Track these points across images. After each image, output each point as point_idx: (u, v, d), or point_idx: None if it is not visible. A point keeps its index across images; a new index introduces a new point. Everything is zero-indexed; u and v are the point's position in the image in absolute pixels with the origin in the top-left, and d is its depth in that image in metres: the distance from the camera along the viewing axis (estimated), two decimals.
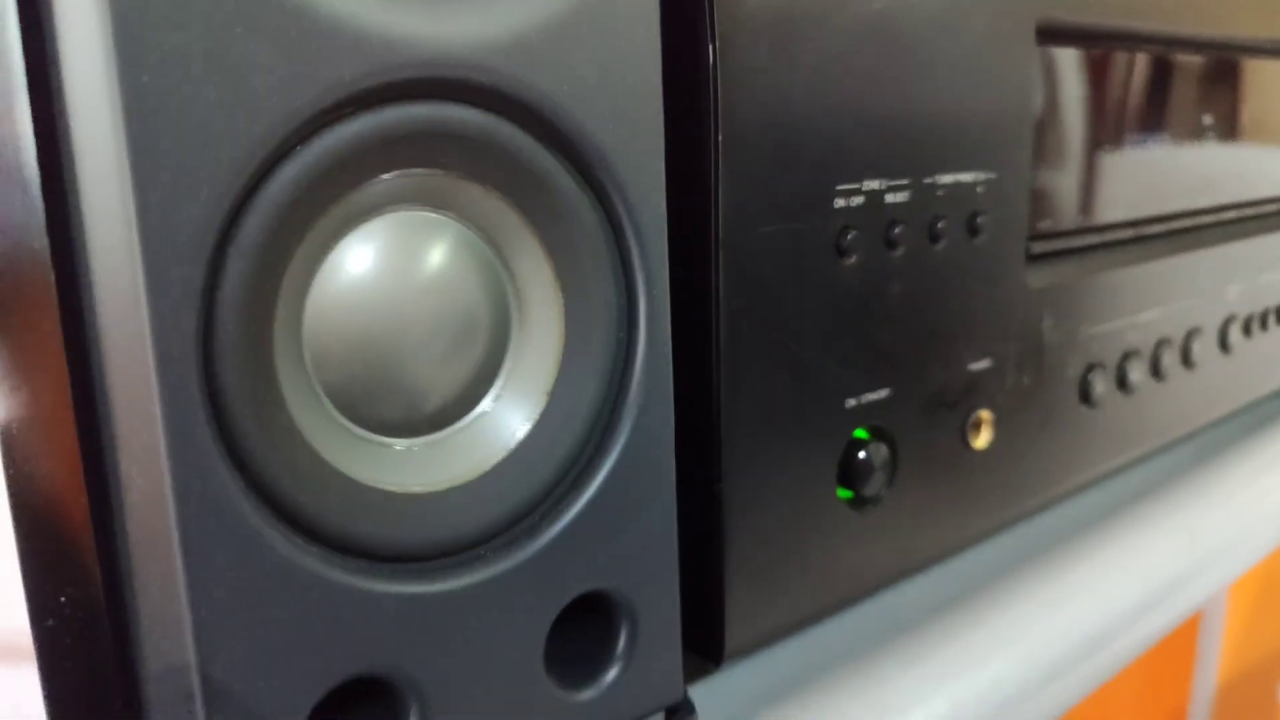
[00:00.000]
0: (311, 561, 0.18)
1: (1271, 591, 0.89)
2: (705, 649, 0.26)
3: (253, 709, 0.18)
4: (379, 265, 0.20)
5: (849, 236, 0.26)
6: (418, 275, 0.20)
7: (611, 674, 0.23)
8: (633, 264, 0.22)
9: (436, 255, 0.21)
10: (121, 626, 0.18)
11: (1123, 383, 0.36)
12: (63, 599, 0.19)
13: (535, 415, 0.22)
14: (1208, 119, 0.39)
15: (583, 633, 0.24)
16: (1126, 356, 0.36)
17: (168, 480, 0.17)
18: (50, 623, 0.19)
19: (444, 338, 0.21)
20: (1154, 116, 0.37)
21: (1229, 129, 0.41)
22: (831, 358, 0.26)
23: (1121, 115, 0.35)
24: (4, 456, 0.19)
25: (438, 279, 0.21)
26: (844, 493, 0.28)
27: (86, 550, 0.18)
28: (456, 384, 0.21)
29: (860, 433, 0.28)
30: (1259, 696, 0.89)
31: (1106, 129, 0.35)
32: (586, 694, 0.23)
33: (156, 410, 0.16)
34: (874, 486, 0.28)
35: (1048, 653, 0.32)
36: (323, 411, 0.19)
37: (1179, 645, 0.86)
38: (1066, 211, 0.34)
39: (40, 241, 0.17)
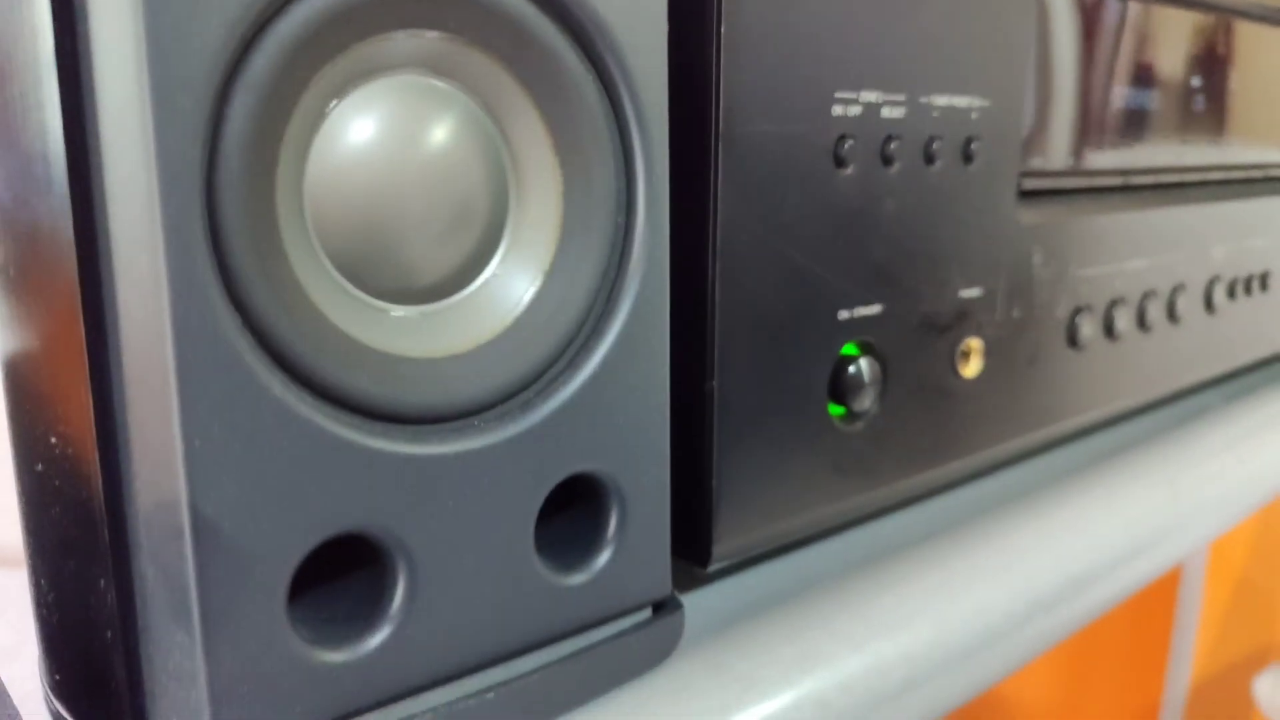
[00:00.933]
0: (305, 408, 0.18)
1: (1245, 590, 0.89)
2: (692, 553, 0.26)
3: (242, 552, 0.18)
4: (381, 129, 0.20)
5: (846, 146, 0.26)
6: (420, 143, 0.20)
7: (603, 558, 0.23)
8: (633, 149, 0.22)
9: (439, 124, 0.21)
10: (112, 466, 0.18)
11: (1109, 329, 0.37)
12: (53, 439, 0.19)
13: (532, 293, 0.22)
14: (1201, 79, 0.40)
15: (573, 528, 0.24)
16: (1114, 303, 0.37)
17: (166, 308, 0.17)
18: (39, 467, 0.19)
19: (443, 209, 0.21)
20: (1148, 69, 0.37)
21: (1221, 91, 0.41)
22: (825, 267, 0.27)
23: (1116, 64, 0.36)
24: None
25: (439, 149, 0.21)
26: (835, 408, 0.28)
27: (80, 385, 0.18)
28: (454, 257, 0.21)
29: (851, 348, 0.28)
30: (1234, 694, 0.89)
31: (1101, 75, 0.35)
32: (577, 578, 0.23)
33: (158, 238, 0.16)
34: (864, 402, 0.28)
35: (1032, 588, 0.32)
36: (322, 269, 0.19)
37: (1152, 642, 0.87)
38: (1057, 152, 0.34)
39: (48, 59, 0.17)
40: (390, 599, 0.20)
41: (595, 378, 0.22)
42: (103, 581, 0.18)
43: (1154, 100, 0.38)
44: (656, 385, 0.23)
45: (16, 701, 0.22)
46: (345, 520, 0.19)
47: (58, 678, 0.20)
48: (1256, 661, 0.91)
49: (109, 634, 0.18)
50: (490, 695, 0.21)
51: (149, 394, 0.17)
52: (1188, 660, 0.86)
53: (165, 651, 0.18)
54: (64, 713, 0.20)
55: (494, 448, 0.21)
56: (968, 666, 0.29)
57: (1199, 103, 0.40)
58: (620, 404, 0.23)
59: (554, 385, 0.22)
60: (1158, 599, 0.87)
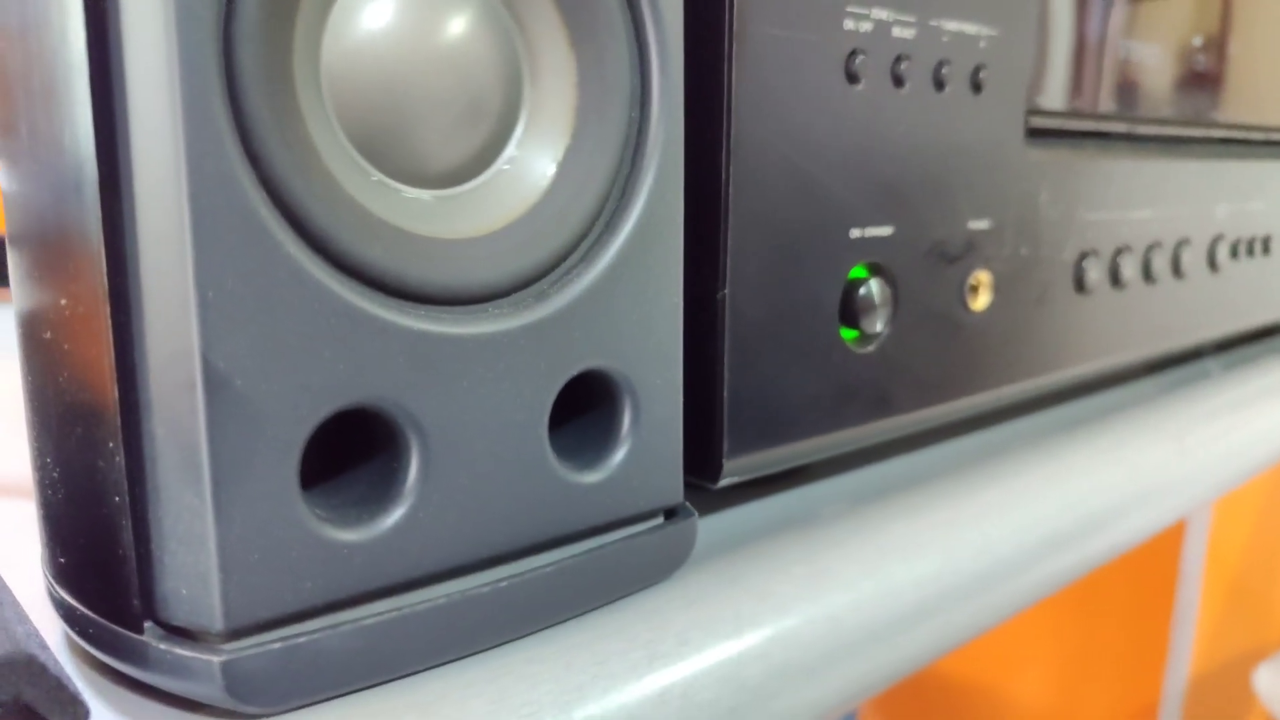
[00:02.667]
0: (318, 271, 0.18)
1: (1243, 584, 0.89)
2: (703, 470, 0.26)
3: (254, 409, 0.17)
4: (397, 9, 0.20)
5: (857, 61, 0.26)
6: (434, 24, 0.20)
7: (617, 456, 0.23)
8: (647, 42, 0.22)
9: (454, 6, 0.20)
10: (123, 322, 0.17)
11: (1115, 277, 0.36)
12: (63, 301, 0.18)
13: (545, 183, 0.22)
14: (1211, 35, 0.40)
15: (586, 432, 0.23)
16: (1119, 251, 0.37)
17: (182, 154, 0.16)
18: (47, 334, 0.19)
19: (456, 93, 0.21)
20: (1159, 20, 0.38)
21: (1230, 49, 0.42)
22: (837, 181, 0.26)
23: (1128, 11, 0.36)
24: (10, 146, 0.19)
25: (454, 32, 0.20)
26: (846, 331, 0.28)
27: (93, 238, 0.17)
28: (468, 143, 0.21)
29: (861, 270, 0.28)
30: (1233, 687, 0.89)
31: (1112, 21, 0.35)
32: (591, 476, 0.22)
33: (175, 81, 0.16)
34: (874, 324, 0.28)
35: (1040, 527, 0.32)
36: (337, 141, 0.19)
37: (1151, 637, 0.86)
38: (1065, 93, 0.34)
39: None
40: (403, 479, 0.20)
41: (609, 272, 0.22)
42: (111, 444, 0.18)
43: (1163, 52, 0.38)
44: (670, 285, 0.23)
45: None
46: (358, 391, 0.18)
47: (61, 561, 0.20)
48: (1256, 655, 0.90)
49: (116, 499, 0.18)
50: (504, 584, 0.21)
51: (162, 245, 0.17)
52: (1186, 655, 0.85)
53: (174, 515, 0.18)
54: (68, 598, 0.20)
55: (508, 334, 0.20)
56: (977, 598, 0.29)
57: (1208, 59, 0.40)
58: (634, 301, 0.22)
59: (568, 278, 0.22)
60: (1155, 594, 0.87)
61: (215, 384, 0.17)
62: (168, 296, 0.17)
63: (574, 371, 0.22)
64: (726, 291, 0.25)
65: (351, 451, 0.20)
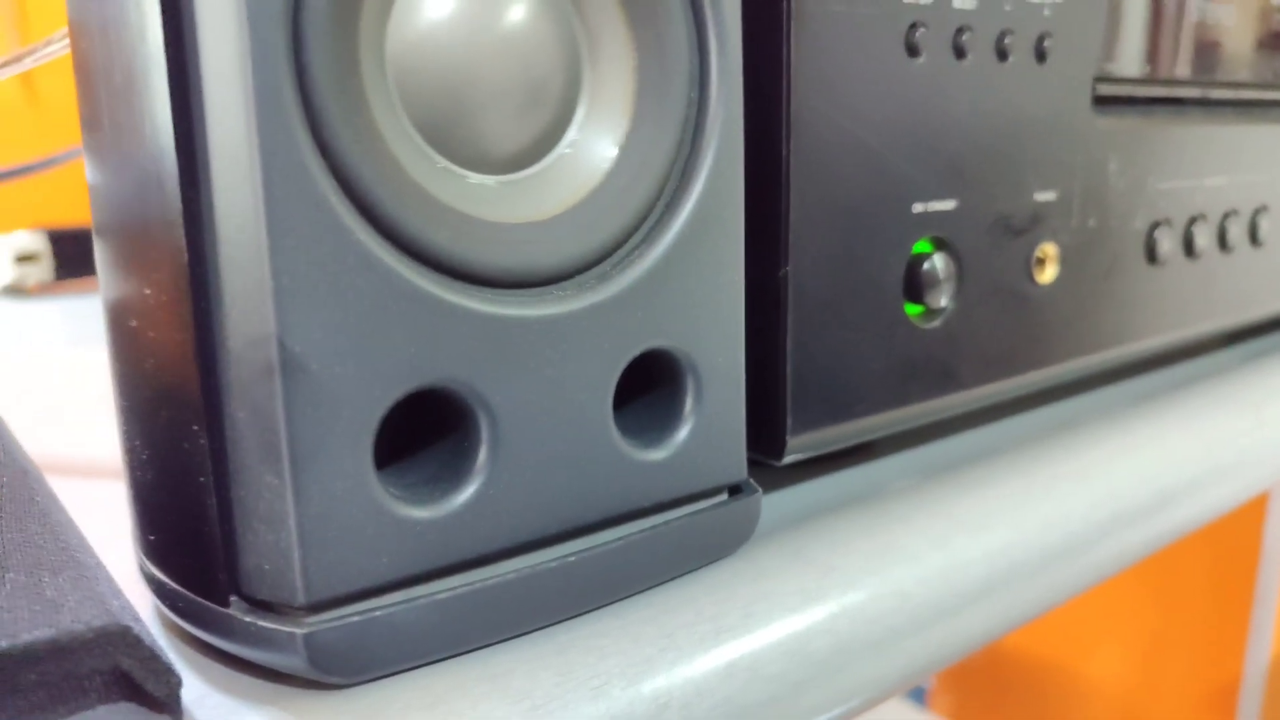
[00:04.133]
0: (387, 256, 0.18)
1: None
2: (766, 446, 0.26)
3: (329, 392, 0.18)
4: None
5: (918, 34, 0.26)
6: (496, 11, 0.20)
7: (681, 434, 0.23)
8: (706, 24, 0.22)
9: None
10: (204, 310, 0.18)
11: (1189, 247, 0.36)
12: (146, 290, 0.19)
13: (606, 167, 0.22)
14: None
15: (649, 413, 0.24)
16: (1193, 220, 0.36)
17: (255, 146, 0.17)
18: (133, 322, 0.20)
19: (519, 79, 0.21)
20: None
21: None
22: (899, 156, 0.26)
23: None
24: (94, 140, 0.19)
25: (515, 18, 0.21)
26: (910, 307, 0.28)
27: (174, 228, 0.18)
28: (530, 129, 0.21)
29: (925, 245, 0.28)
30: None
31: None
32: (655, 454, 0.23)
33: (247, 71, 0.17)
34: (939, 299, 0.28)
35: (1113, 500, 0.31)
36: (402, 128, 0.20)
37: (1231, 616, 0.84)
38: (1133, 58, 0.33)
39: None
40: (473, 457, 0.20)
41: (670, 253, 0.22)
42: (195, 427, 0.18)
43: (1237, 11, 0.37)
44: (731, 264, 0.23)
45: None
46: (428, 373, 0.19)
47: (151, 539, 0.21)
48: None
49: (201, 480, 0.19)
50: (571, 560, 0.21)
51: (239, 234, 0.17)
52: (1269, 634, 0.83)
53: (255, 495, 0.18)
54: (158, 574, 0.21)
55: (572, 315, 0.21)
56: (1046, 573, 0.29)
57: None
58: (695, 281, 0.23)
59: (630, 259, 0.22)
60: (1236, 571, 0.85)
61: (292, 368, 0.18)
62: (245, 284, 0.17)
63: (637, 351, 0.22)
64: (788, 269, 0.25)
65: (423, 432, 0.21)
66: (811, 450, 0.27)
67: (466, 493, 0.20)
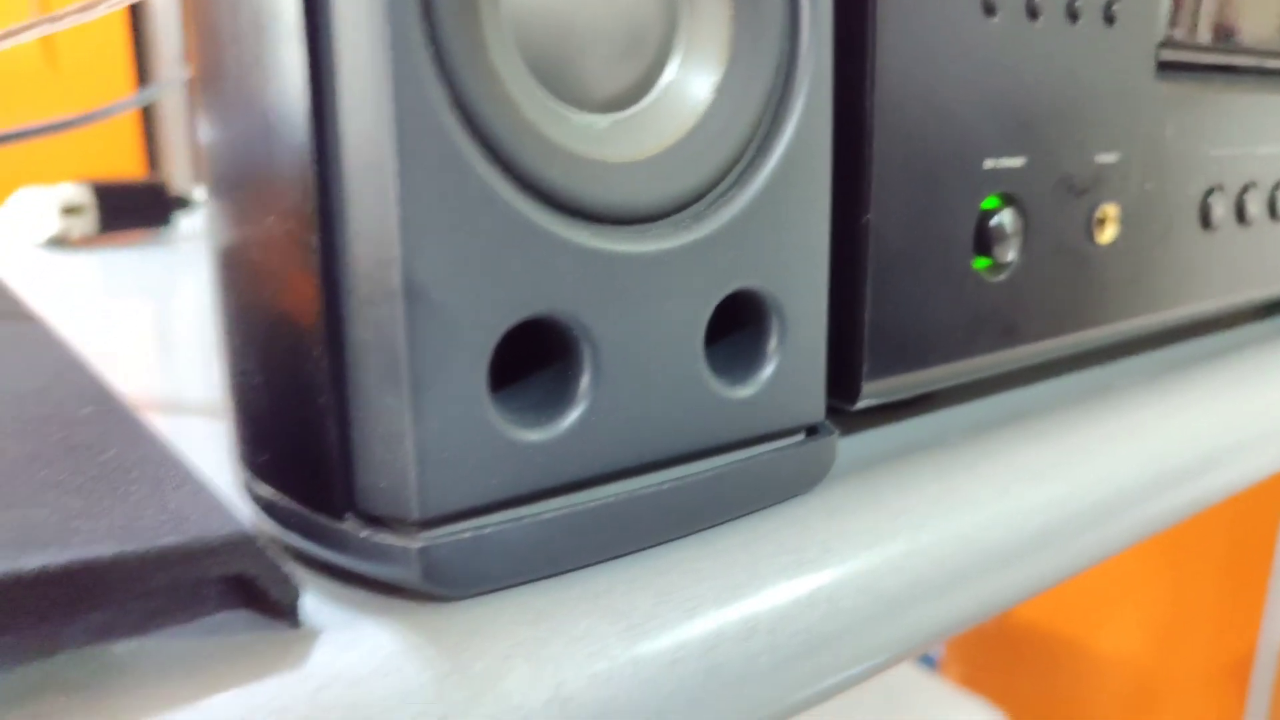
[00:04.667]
0: (506, 189, 0.19)
1: None
2: (841, 390, 0.27)
3: (448, 316, 0.19)
4: None
5: None
6: None
7: (765, 374, 0.24)
8: None
9: None
10: (330, 237, 0.19)
11: (1241, 214, 0.36)
12: (270, 219, 0.20)
13: (702, 108, 0.22)
14: None
15: (731, 355, 0.24)
16: (1246, 188, 0.36)
17: (387, 82, 0.18)
18: (253, 253, 0.20)
19: (621, 21, 0.22)
20: None
21: None
22: (973, 112, 0.27)
23: None
24: (214, 87, 0.20)
25: None
26: (978, 260, 0.28)
27: (303, 163, 0.19)
28: (631, 70, 0.22)
29: (994, 200, 0.28)
30: None
31: None
32: (740, 391, 0.23)
33: (379, 16, 0.17)
34: (1007, 253, 0.28)
35: (1162, 460, 0.32)
36: (519, 72, 0.20)
37: (1247, 590, 0.85)
38: (1197, 26, 0.34)
39: None
40: (576, 386, 0.21)
41: (762, 196, 0.23)
42: (316, 350, 0.19)
43: None
44: (818, 210, 0.24)
45: None
46: (539, 303, 0.20)
47: (263, 459, 0.22)
48: None
49: (321, 401, 0.19)
50: (666, 488, 0.22)
51: (368, 167, 0.18)
52: None
53: (375, 415, 0.19)
54: (267, 493, 0.22)
55: (670, 253, 0.21)
56: (1100, 526, 0.29)
57: None
58: (784, 224, 0.23)
59: (723, 200, 0.23)
60: (1253, 549, 0.86)
61: (414, 294, 0.18)
62: (372, 213, 0.18)
63: (727, 291, 0.23)
64: (870, 218, 0.25)
65: (524, 362, 0.22)
66: (883, 397, 0.27)
67: (570, 419, 0.21)
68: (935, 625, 0.25)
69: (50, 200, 0.60)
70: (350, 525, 0.20)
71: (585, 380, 0.21)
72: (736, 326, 0.24)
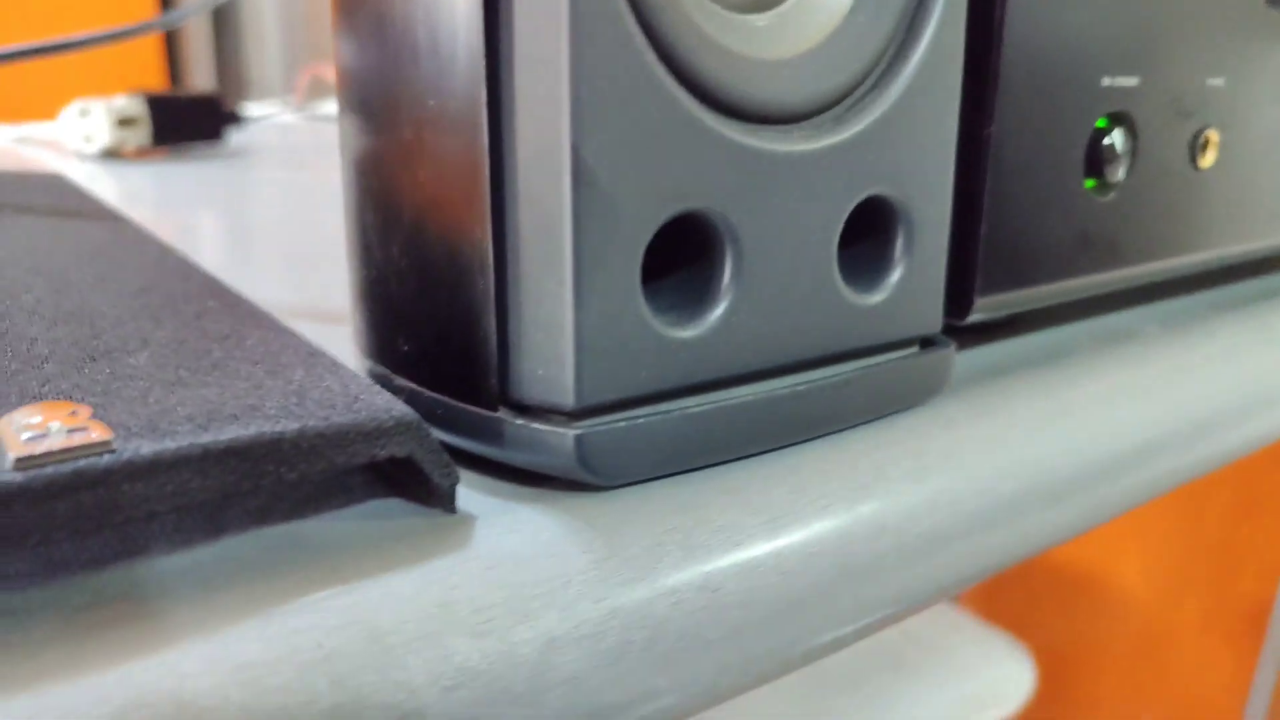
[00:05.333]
0: (669, 81, 0.19)
1: None
2: (953, 305, 0.27)
3: (612, 203, 0.19)
4: None
5: None
6: None
7: (890, 282, 0.24)
8: None
9: None
10: (497, 123, 0.19)
11: None
12: (431, 102, 0.20)
13: (844, 10, 0.22)
14: None
15: (855, 262, 0.24)
16: None
17: None
18: (406, 133, 0.20)
19: None
20: None
21: None
22: (1094, 28, 0.27)
23: None
24: None
25: None
26: (1089, 180, 0.28)
27: (472, 43, 0.19)
28: None
29: (1105, 120, 0.28)
30: None
31: None
32: (870, 298, 0.23)
33: None
34: (1117, 173, 0.28)
35: (1257, 383, 0.32)
36: None
37: (1266, 539, 0.86)
38: None
39: None
40: (718, 285, 0.21)
41: (899, 102, 0.23)
42: (478, 234, 0.19)
43: None
44: (947, 118, 0.24)
45: None
46: (693, 198, 0.20)
47: (404, 349, 0.22)
48: None
49: (481, 287, 0.20)
50: (801, 389, 0.22)
51: (539, 50, 0.18)
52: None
53: (535, 302, 0.19)
54: (409, 383, 0.22)
55: (813, 154, 0.21)
56: (1196, 446, 0.30)
57: None
58: (917, 131, 0.23)
59: (861, 105, 0.23)
60: (1273, 494, 0.86)
61: (582, 178, 0.18)
62: (542, 95, 0.18)
63: (862, 196, 0.23)
64: (992, 129, 0.25)
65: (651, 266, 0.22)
66: (992, 312, 0.28)
67: (712, 317, 0.21)
68: (1047, 532, 0.26)
69: (104, 112, 0.60)
70: (504, 414, 0.20)
71: (726, 280, 0.21)
72: (855, 236, 0.24)
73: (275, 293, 0.35)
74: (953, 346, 0.26)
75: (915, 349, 0.25)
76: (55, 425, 0.16)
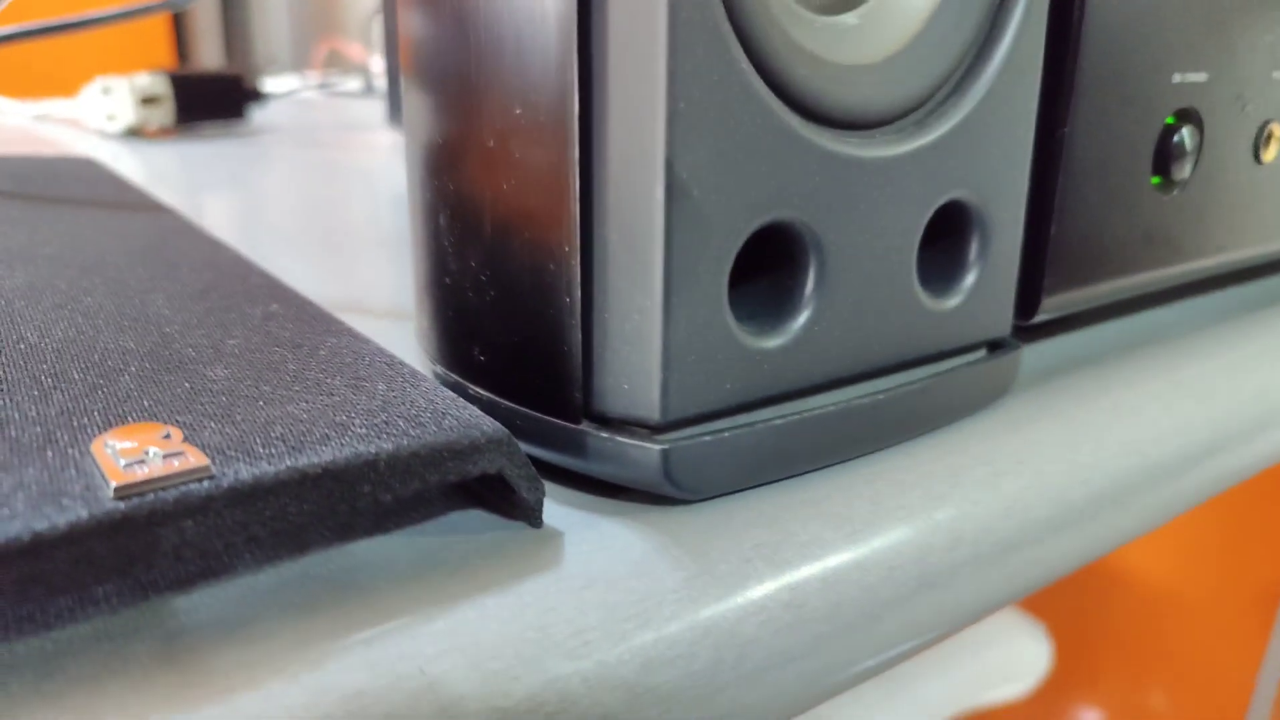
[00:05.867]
0: (762, 89, 0.19)
1: None
2: (1020, 304, 0.27)
3: (703, 218, 0.18)
4: None
5: None
6: None
7: (964, 286, 0.23)
8: None
9: None
10: (587, 134, 0.18)
11: None
12: (517, 110, 0.19)
13: (926, 14, 0.22)
14: None
15: (927, 266, 0.24)
16: None
17: None
18: (491, 143, 0.20)
19: None
20: None
21: None
22: (1169, 25, 0.26)
23: None
24: None
25: None
26: (1154, 178, 0.28)
27: (565, 51, 0.18)
28: None
29: (1172, 119, 0.28)
30: None
31: None
32: (946, 302, 0.23)
33: None
34: (1183, 170, 0.28)
35: None
36: None
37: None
38: None
39: None
40: (800, 294, 0.21)
41: (980, 105, 0.22)
42: (566, 248, 0.19)
43: None
44: (1026, 120, 0.23)
45: None
46: (781, 208, 0.19)
47: (481, 359, 0.22)
48: None
49: (567, 300, 0.19)
50: (881, 398, 0.22)
51: (635, 59, 0.18)
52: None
53: (621, 316, 0.19)
54: (486, 395, 0.21)
55: (897, 160, 0.21)
56: (1257, 440, 0.30)
57: None
58: (995, 134, 0.23)
59: (942, 109, 0.22)
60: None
61: (676, 192, 0.18)
62: (636, 107, 0.18)
63: (942, 200, 0.22)
64: (1067, 130, 0.25)
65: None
66: (1058, 311, 0.27)
67: (794, 327, 0.21)
68: (1114, 537, 0.25)
69: (128, 90, 0.59)
70: (587, 428, 0.20)
71: (809, 289, 0.21)
72: (928, 240, 0.24)
73: (319, 283, 0.35)
74: (1021, 348, 0.25)
75: (983, 352, 0.25)
76: (152, 451, 0.16)
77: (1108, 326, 0.32)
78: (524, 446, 0.21)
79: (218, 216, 0.45)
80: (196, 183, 0.52)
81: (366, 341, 0.22)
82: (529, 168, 0.19)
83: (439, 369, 0.23)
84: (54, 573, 0.14)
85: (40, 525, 0.14)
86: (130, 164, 0.55)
